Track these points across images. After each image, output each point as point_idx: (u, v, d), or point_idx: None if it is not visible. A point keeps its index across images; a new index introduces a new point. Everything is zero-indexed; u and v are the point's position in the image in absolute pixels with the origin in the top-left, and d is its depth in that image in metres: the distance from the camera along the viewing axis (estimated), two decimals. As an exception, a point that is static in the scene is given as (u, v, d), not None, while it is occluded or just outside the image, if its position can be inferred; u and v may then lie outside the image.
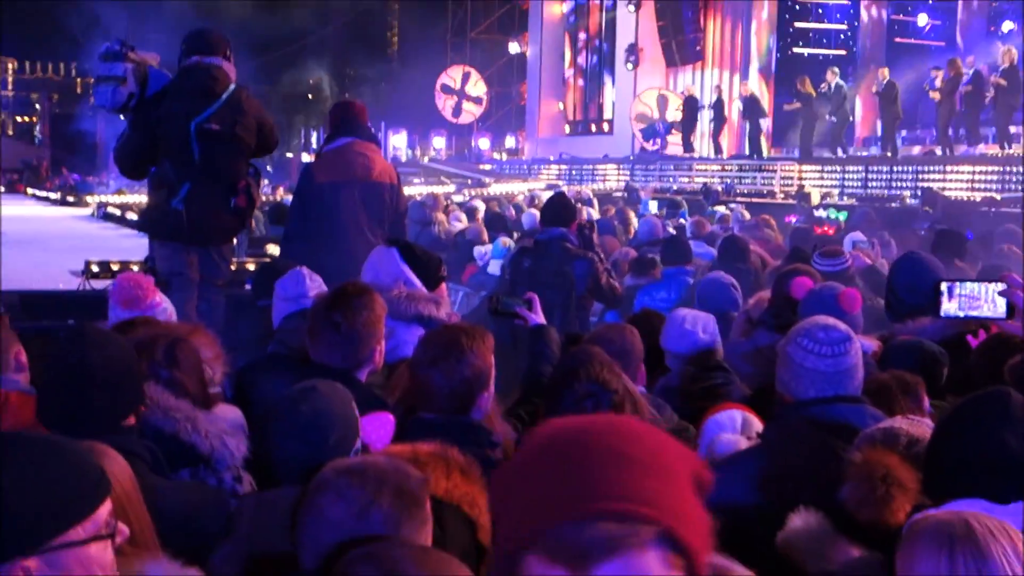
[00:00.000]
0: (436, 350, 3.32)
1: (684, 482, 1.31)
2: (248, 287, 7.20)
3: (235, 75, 7.10)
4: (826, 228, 12.79)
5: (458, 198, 20.00)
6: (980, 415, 2.50)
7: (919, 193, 16.94)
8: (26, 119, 63.65)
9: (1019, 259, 8.67)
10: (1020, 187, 17.10)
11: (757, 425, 3.64)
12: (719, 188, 21.28)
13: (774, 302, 5.22)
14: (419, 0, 44.24)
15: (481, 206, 15.58)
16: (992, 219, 13.60)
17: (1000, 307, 3.12)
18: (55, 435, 2.03)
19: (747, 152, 25.77)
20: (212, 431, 3.10)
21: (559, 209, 7.13)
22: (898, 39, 28.19)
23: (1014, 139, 20.24)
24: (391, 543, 2.17)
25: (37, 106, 62.88)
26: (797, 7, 29.32)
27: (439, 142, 44.27)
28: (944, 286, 3.23)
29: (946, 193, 16.94)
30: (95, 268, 9.37)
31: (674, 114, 29.91)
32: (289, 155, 40.19)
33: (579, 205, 15.63)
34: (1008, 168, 17.94)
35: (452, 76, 39.51)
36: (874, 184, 20.23)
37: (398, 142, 43.01)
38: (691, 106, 28.40)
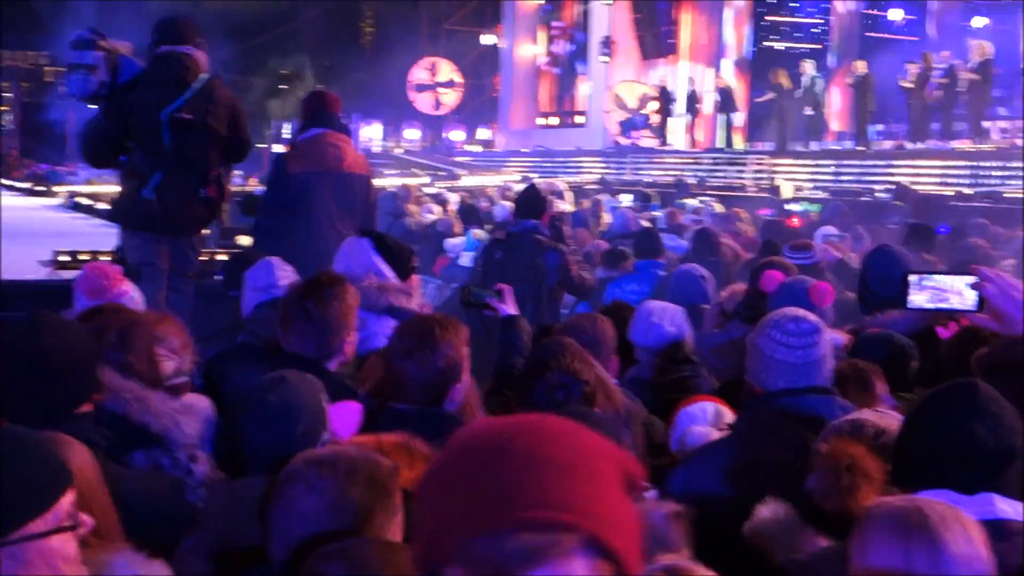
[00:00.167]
0: (411, 341, 3.31)
1: (610, 483, 1.25)
2: (219, 277, 7.16)
3: (207, 64, 7.05)
4: (794, 221, 12.84)
5: (430, 190, 19.95)
6: (949, 406, 2.51)
7: (891, 187, 17.02)
8: (-5, 107, 63.05)
9: (988, 253, 8.74)
10: (991, 181, 17.23)
11: (729, 417, 3.65)
12: (692, 181, 21.32)
13: (748, 295, 5.23)
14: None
15: (453, 198, 15.57)
16: (963, 213, 13.70)
17: (969, 299, 3.12)
18: (14, 426, 2.00)
19: (720, 145, 25.85)
20: (163, 411, 3.07)
21: (531, 201, 7.14)
22: (870, 33, 28.34)
23: (986, 134, 20.39)
24: (361, 540, 2.16)
25: (7, 95, 62.29)
26: (770, 0, 29.42)
27: (412, 134, 44.15)
28: (913, 278, 3.23)
29: (917, 187, 17.03)
30: (64, 258, 9.29)
31: (648, 106, 29.96)
32: (261, 145, 39.98)
33: (551, 198, 15.69)
34: (979, 163, 18.06)
35: (420, 75, 39.36)
36: (846, 178, 20.32)
37: (371, 133, 42.85)
38: (665, 99, 28.46)
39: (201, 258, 7.59)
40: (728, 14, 29.04)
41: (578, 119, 36.12)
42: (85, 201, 23.27)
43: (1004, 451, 2.47)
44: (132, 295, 4.57)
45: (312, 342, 3.77)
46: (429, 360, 3.26)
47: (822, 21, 29.06)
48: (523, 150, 33.69)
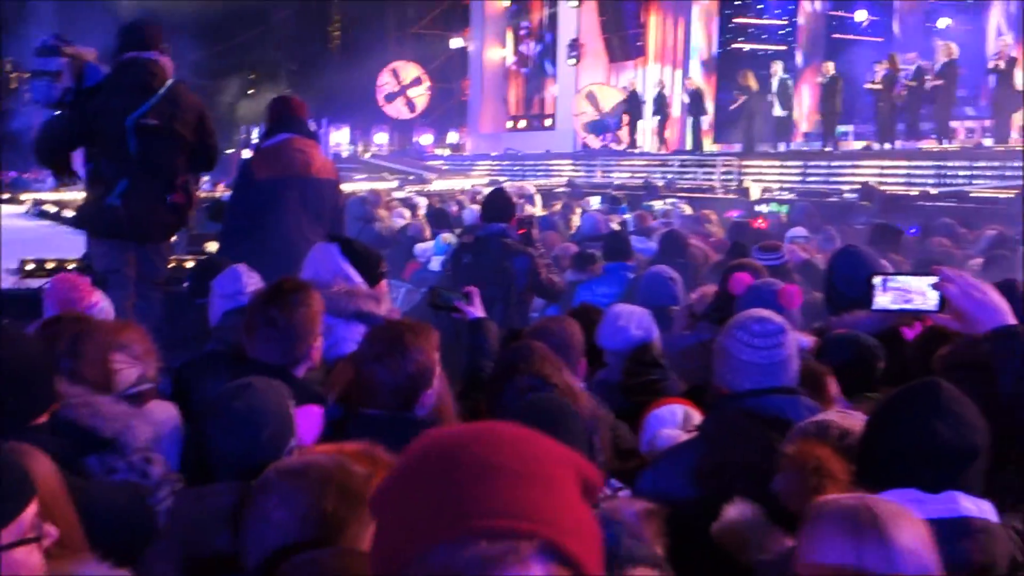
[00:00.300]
0: (381, 346, 3.30)
1: (567, 489, 1.26)
2: (187, 285, 7.13)
3: (172, 69, 7.01)
4: (761, 222, 12.91)
5: (400, 194, 19.92)
6: (912, 406, 2.54)
7: (857, 188, 17.14)
8: (-41, 115, 62.47)
9: (952, 252, 8.82)
10: (957, 181, 17.38)
11: (697, 418, 3.67)
12: (660, 183, 21.39)
13: (718, 297, 5.25)
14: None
15: (423, 202, 15.55)
16: (929, 213, 13.81)
17: (932, 300, 3.15)
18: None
19: (689, 147, 25.94)
20: (113, 414, 3.04)
21: (498, 205, 7.13)
22: (836, 35, 28.50)
23: (952, 134, 20.56)
24: (333, 550, 2.16)
25: (-29, 102, 61.70)
26: (737, 2, 29.54)
27: (381, 138, 44.11)
28: (877, 279, 3.26)
29: (884, 188, 17.16)
30: (30, 266, 9.22)
31: (616, 109, 30.04)
32: (230, 151, 39.83)
33: (521, 201, 15.71)
34: (944, 163, 18.21)
35: (405, 71, 39.28)
36: (813, 179, 20.44)
37: (340, 138, 42.80)
38: (634, 102, 28.54)
39: (169, 265, 7.55)
40: (696, 16, 29.13)
41: (547, 122, 36.15)
42: (51, 208, 23.08)
43: (967, 449, 2.50)
44: (102, 305, 4.55)
45: (278, 349, 3.76)
46: (399, 365, 3.26)
47: (788, 23, 29.21)
48: (492, 154, 33.68)
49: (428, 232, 11.66)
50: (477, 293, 4.72)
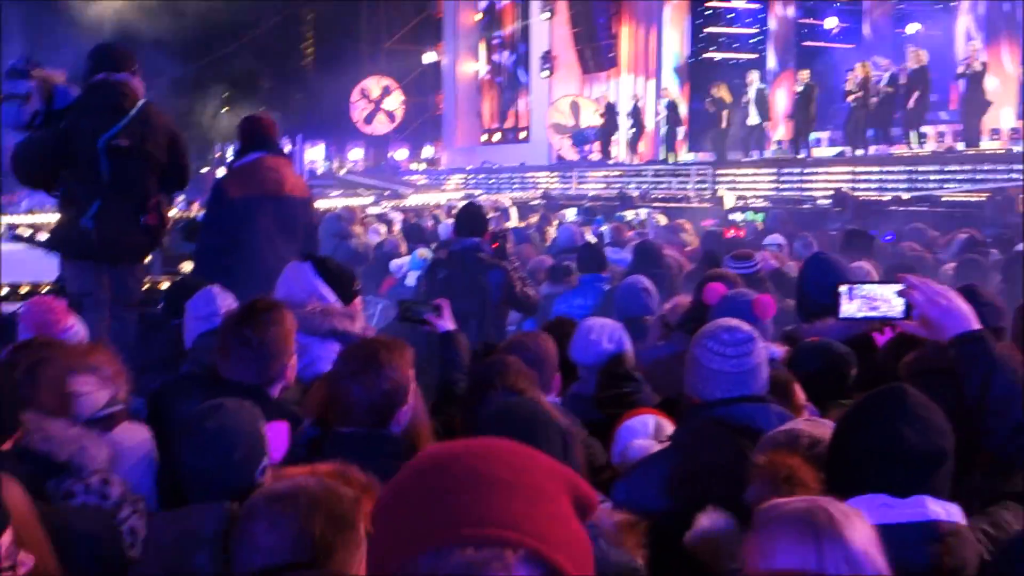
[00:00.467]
0: (356, 363, 3.31)
1: (557, 502, 1.28)
2: (161, 306, 7.11)
3: (143, 90, 7.00)
4: (735, 231, 12.97)
5: (376, 210, 19.92)
6: (878, 411, 2.57)
7: (830, 194, 17.25)
8: (-71, 139, 61.96)
9: (923, 257, 8.88)
10: (928, 185, 17.51)
11: (669, 429, 3.69)
12: (634, 194, 21.46)
13: (692, 307, 5.27)
14: (333, 11, 44.01)
15: (398, 217, 15.56)
16: (902, 218, 13.91)
17: (898, 307, 3.19)
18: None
19: (663, 157, 26.02)
20: (66, 437, 3.02)
21: (471, 219, 7.14)
22: (807, 43, 28.68)
23: (923, 138, 20.71)
24: (322, 573, 2.17)
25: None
26: (708, 12, 29.68)
27: (356, 154, 44.05)
28: (844, 288, 3.30)
29: (857, 193, 17.27)
30: (3, 291, 9.18)
31: (592, 120, 30.11)
32: (204, 170, 39.73)
33: (497, 214, 15.74)
34: (916, 167, 18.34)
35: (372, 86, 39.23)
36: (787, 186, 20.55)
37: (315, 155, 42.72)
38: (611, 113, 28.63)
39: (143, 286, 7.53)
40: (668, 27, 29.23)
41: (522, 134, 36.18)
42: (25, 232, 22.94)
43: (934, 453, 2.53)
44: (77, 328, 4.54)
45: (252, 368, 3.76)
46: (374, 382, 3.27)
47: (759, 31, 29.36)
48: (468, 167, 33.70)
49: (404, 247, 11.66)
50: (447, 305, 4.72)
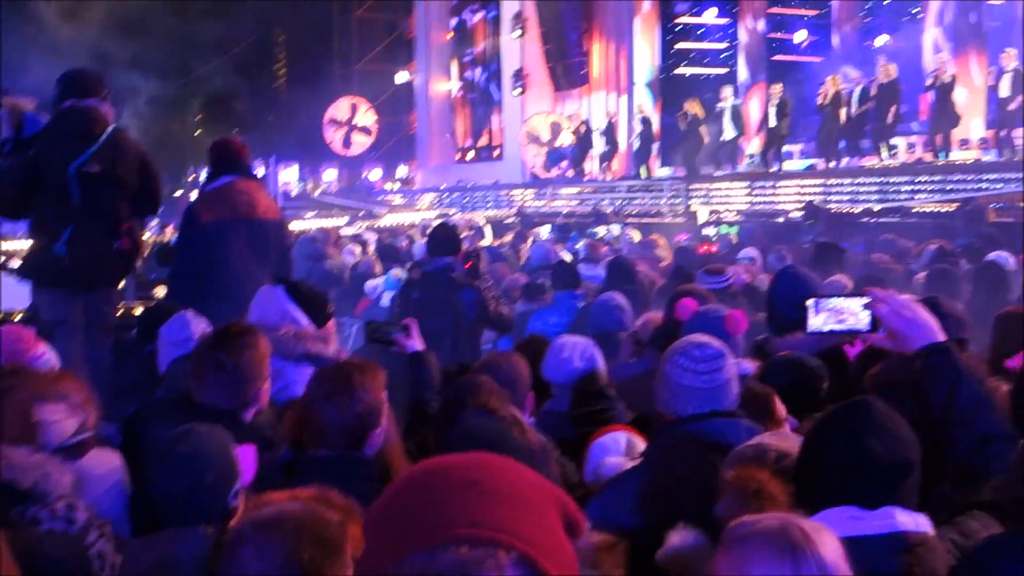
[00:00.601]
0: (329, 386, 3.33)
1: (547, 515, 1.33)
2: (135, 332, 7.09)
3: (113, 116, 6.99)
4: (709, 246, 13.03)
5: (350, 231, 19.91)
6: (845, 424, 2.59)
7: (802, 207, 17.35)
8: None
9: (892, 268, 8.94)
10: (900, 196, 17.64)
11: (641, 446, 3.71)
12: (608, 211, 21.52)
13: (665, 324, 5.29)
14: (305, 32, 43.98)
15: (373, 238, 15.56)
16: (874, 229, 14.00)
17: (864, 320, 3.22)
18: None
19: (636, 173, 26.09)
20: (27, 464, 3.01)
21: (444, 239, 7.16)
22: (777, 56, 28.85)
23: (894, 150, 20.86)
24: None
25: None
26: (678, 28, 29.81)
27: (330, 174, 43.99)
28: (810, 302, 3.33)
29: (830, 206, 17.37)
30: (-25, 319, 9.12)
31: (565, 138, 30.18)
32: (178, 193, 39.61)
33: (471, 233, 15.76)
34: (887, 179, 18.47)
35: (340, 109, 39.16)
36: (759, 200, 20.64)
37: (288, 176, 42.62)
38: (586, 132, 28.70)
39: (118, 312, 7.50)
40: (639, 42, 29.32)
41: (496, 152, 36.20)
42: (-2, 259, 22.80)
43: (901, 463, 2.55)
44: (48, 357, 4.52)
45: (226, 393, 3.76)
46: (348, 405, 3.28)
47: (729, 45, 29.51)
48: (442, 186, 33.72)
49: (379, 268, 11.66)
50: (415, 325, 4.72)
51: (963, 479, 2.96)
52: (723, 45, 29.62)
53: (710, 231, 17.24)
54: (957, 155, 19.64)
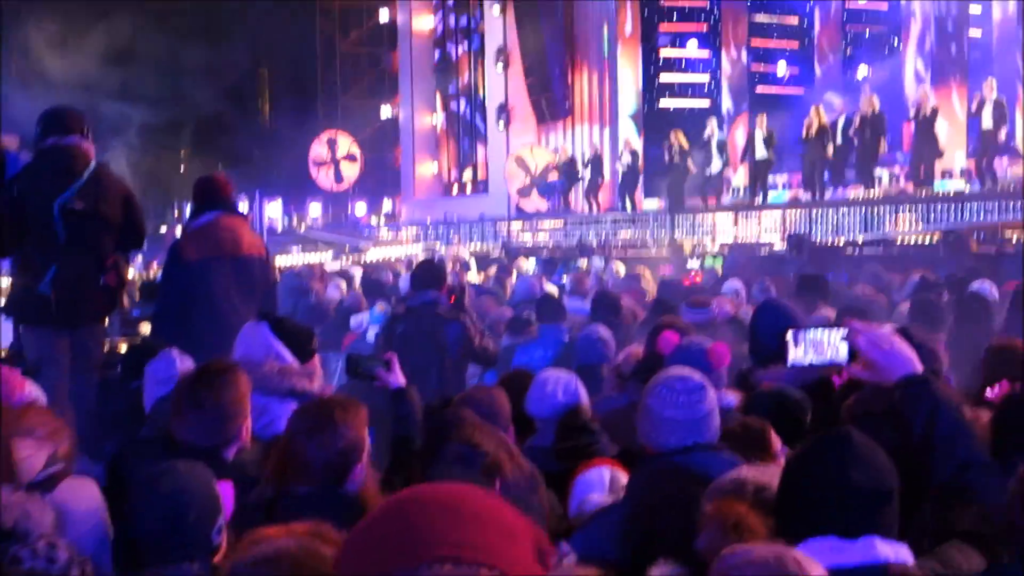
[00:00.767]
0: (310, 422, 3.34)
1: (525, 544, 1.36)
2: (119, 369, 7.07)
3: (94, 152, 7.00)
4: (694, 278, 13.06)
5: (335, 265, 19.90)
6: (824, 454, 2.61)
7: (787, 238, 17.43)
8: None
9: (876, 299, 8.97)
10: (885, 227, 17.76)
11: (625, 480, 3.71)
12: (593, 243, 21.57)
13: (646, 357, 5.30)
14: (289, 67, 44.14)
15: (358, 272, 15.55)
16: (858, 260, 14.07)
17: (842, 352, 3.24)
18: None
19: (622, 205, 26.15)
20: (9, 503, 3.01)
21: (428, 274, 7.16)
22: (760, 88, 29.03)
23: (877, 181, 20.98)
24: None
25: None
26: (661, 61, 29.97)
27: (315, 209, 43.99)
28: (790, 335, 3.35)
29: (814, 238, 17.47)
30: (-41, 358, 9.08)
31: (549, 172, 30.24)
32: (163, 230, 39.59)
33: (456, 267, 15.77)
34: (870, 210, 18.57)
35: (319, 150, 38.95)
36: (744, 231, 20.72)
37: (273, 211, 42.52)
38: (572, 165, 28.78)
39: (103, 349, 7.49)
40: (622, 75, 29.43)
41: (480, 186, 36.26)
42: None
43: (881, 492, 2.57)
44: (35, 396, 4.50)
45: (206, 430, 3.76)
46: (330, 441, 3.29)
47: (711, 78, 29.66)
48: (428, 220, 33.74)
49: (364, 303, 11.63)
50: (396, 360, 4.70)
51: (943, 506, 2.97)
52: (705, 77, 29.76)
53: (694, 263, 17.28)
54: (940, 185, 19.76)
